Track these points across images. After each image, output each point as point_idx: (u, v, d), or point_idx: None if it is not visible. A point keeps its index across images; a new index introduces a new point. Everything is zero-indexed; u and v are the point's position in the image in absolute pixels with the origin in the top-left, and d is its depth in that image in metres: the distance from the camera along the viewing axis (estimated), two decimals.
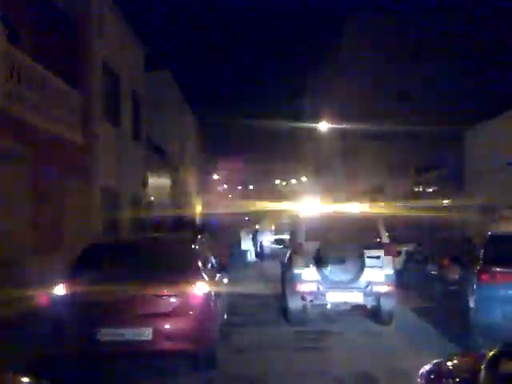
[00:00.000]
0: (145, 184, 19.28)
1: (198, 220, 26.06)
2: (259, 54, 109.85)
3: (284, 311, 9.56)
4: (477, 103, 25.03)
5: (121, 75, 15.84)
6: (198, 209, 39.45)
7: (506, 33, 28.23)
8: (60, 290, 6.02)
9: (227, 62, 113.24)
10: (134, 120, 17.58)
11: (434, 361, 2.89)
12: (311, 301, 8.94)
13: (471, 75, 29.99)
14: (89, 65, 13.17)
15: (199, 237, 7.93)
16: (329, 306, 9.10)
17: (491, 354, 1.88)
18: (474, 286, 7.08)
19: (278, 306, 10.48)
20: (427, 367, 2.89)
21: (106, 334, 5.77)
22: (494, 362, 1.86)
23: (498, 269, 6.79)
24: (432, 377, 2.71)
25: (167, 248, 6.82)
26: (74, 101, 12.32)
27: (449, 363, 2.50)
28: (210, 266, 7.33)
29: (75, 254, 6.62)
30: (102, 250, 6.77)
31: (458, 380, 2.26)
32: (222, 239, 14.60)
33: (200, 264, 6.50)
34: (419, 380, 2.87)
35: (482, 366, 1.87)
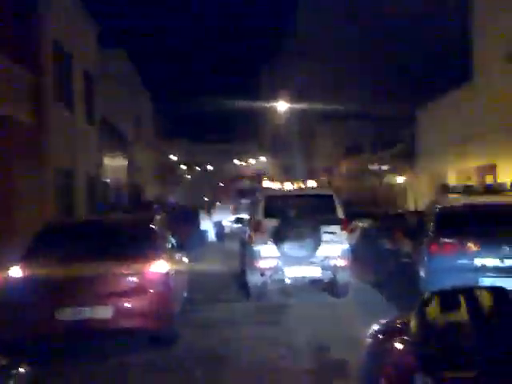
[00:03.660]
0: (100, 166, 18.90)
1: (155, 201, 25.81)
2: (217, 31, 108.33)
3: (244, 287, 9.73)
4: (429, 81, 25.69)
5: (73, 54, 15.34)
6: (157, 190, 39.07)
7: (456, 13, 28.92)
8: (16, 271, 5.92)
9: (184, 40, 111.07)
10: (88, 100, 17.11)
11: (383, 320, 3.05)
12: (270, 276, 9.13)
13: (423, 54, 30.67)
14: (38, 43, 12.69)
15: (157, 217, 7.92)
16: (288, 281, 9.32)
17: (420, 301, 2.06)
18: (425, 258, 7.40)
19: (237, 283, 10.63)
20: (376, 327, 3.04)
21: (66, 314, 5.76)
22: (421, 309, 2.04)
23: (446, 240, 7.13)
24: (381, 335, 2.87)
25: (126, 228, 6.80)
26: (24, 80, 11.88)
27: (397, 321, 2.65)
28: (169, 245, 7.36)
29: (28, 236, 6.50)
30: (59, 230, 6.69)
31: (405, 337, 2.42)
32: (180, 219, 14.54)
33: (159, 243, 6.53)
34: (368, 339, 3.03)
35: (412, 314, 2.04)
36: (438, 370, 1.93)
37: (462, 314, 2.02)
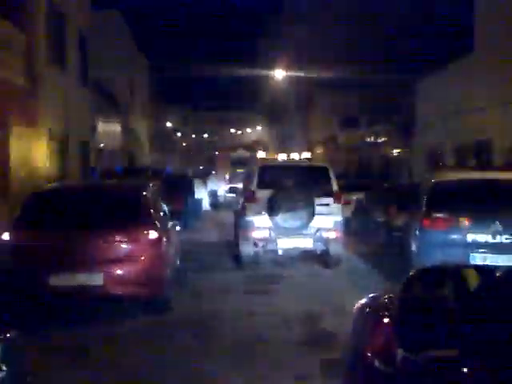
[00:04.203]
0: (94, 130, 18.69)
1: (150, 168, 25.68)
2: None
3: (236, 257, 9.77)
4: (429, 52, 25.35)
5: (66, 14, 14.95)
6: (152, 156, 38.88)
7: None
8: (9, 236, 5.89)
9: (180, 5, 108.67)
10: (82, 63, 16.75)
11: (370, 295, 3.04)
12: (263, 247, 9.16)
13: (423, 24, 30.18)
14: (31, 2, 12.33)
15: (151, 184, 7.86)
16: (280, 252, 9.36)
17: (405, 279, 2.05)
18: (417, 232, 7.43)
19: (230, 252, 10.68)
20: (363, 301, 3.04)
21: (58, 280, 5.77)
22: (407, 286, 2.03)
23: (438, 215, 7.13)
24: (367, 310, 2.87)
25: (118, 195, 6.75)
26: (15, 40, 11.58)
27: (385, 296, 2.64)
28: (162, 213, 7.33)
29: (22, 201, 6.44)
30: (50, 196, 6.63)
31: (392, 312, 2.41)
32: (175, 188, 14.47)
33: (151, 211, 6.50)
34: (355, 314, 3.03)
35: (398, 290, 2.04)
36: (419, 348, 1.93)
37: (447, 292, 2.01)
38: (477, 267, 2.10)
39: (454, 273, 2.13)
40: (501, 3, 13.50)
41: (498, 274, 2.20)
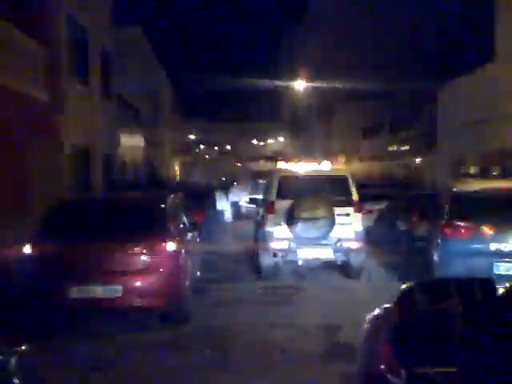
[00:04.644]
0: (117, 143, 18.97)
1: (173, 180, 25.92)
2: (234, 9, 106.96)
3: (256, 268, 9.74)
4: (450, 60, 25.08)
5: (87, 28, 15.26)
6: (174, 169, 39.24)
7: None
8: (28, 248, 6.00)
9: (201, 17, 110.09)
10: (104, 77, 17.03)
11: (383, 306, 2.98)
12: (283, 257, 9.11)
13: (444, 32, 29.90)
14: (52, 17, 12.62)
15: (171, 196, 7.92)
16: (300, 263, 9.30)
17: (400, 290, 1.99)
18: (439, 241, 7.30)
19: (250, 263, 10.65)
20: (375, 312, 2.98)
21: (77, 292, 5.83)
22: (402, 298, 1.98)
23: (460, 224, 7.00)
24: (380, 322, 2.81)
25: (137, 206, 6.82)
26: (38, 56, 11.87)
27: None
28: (181, 225, 7.37)
29: (41, 213, 6.55)
30: (69, 208, 6.73)
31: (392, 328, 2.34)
32: (195, 199, 14.53)
33: (170, 222, 6.54)
34: (366, 325, 2.97)
35: (393, 302, 1.98)
36: (414, 364, 1.87)
37: (445, 306, 1.95)
38: (476, 280, 2.03)
39: (452, 285, 2.06)
40: None
41: (499, 288, 2.13)
